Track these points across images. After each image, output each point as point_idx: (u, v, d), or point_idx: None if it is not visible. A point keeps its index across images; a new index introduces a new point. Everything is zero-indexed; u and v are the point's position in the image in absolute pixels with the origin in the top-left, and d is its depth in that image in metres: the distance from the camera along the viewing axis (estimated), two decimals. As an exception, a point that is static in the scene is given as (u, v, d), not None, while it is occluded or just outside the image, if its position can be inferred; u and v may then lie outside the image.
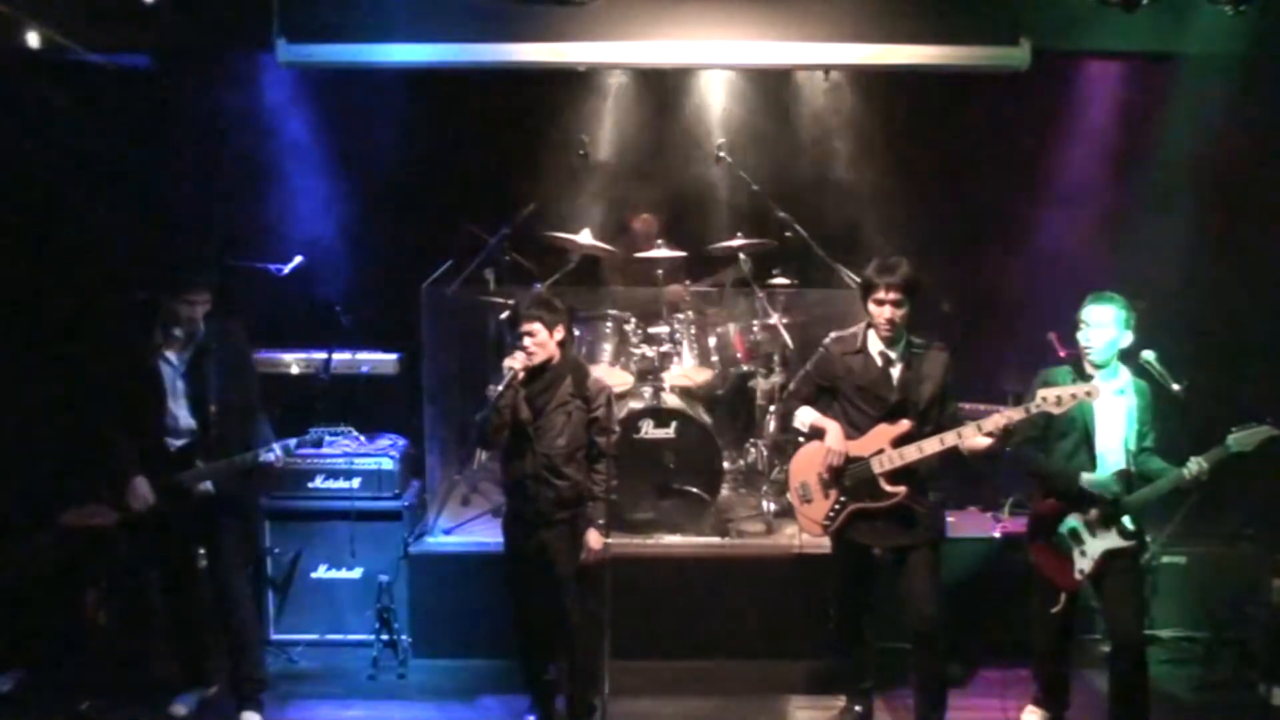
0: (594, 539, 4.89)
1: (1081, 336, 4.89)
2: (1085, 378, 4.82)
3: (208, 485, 5.02)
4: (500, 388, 4.73)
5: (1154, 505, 4.93)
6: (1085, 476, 4.88)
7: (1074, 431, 4.88)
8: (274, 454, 5.04)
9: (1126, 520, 4.85)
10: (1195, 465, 4.72)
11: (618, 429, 5.08)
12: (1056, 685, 5.22)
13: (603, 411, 4.92)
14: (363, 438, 6.05)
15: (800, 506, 5.03)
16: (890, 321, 4.73)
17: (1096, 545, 4.87)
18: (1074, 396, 4.60)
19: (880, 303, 4.72)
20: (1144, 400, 4.92)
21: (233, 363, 5.12)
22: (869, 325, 4.87)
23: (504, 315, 6.26)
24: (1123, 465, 4.89)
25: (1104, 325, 4.84)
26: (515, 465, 4.90)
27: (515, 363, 4.77)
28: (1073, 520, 4.91)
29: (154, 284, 5.05)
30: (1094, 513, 4.86)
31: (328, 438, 5.18)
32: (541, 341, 4.80)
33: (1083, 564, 4.89)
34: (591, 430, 4.91)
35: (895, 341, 4.82)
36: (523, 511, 4.91)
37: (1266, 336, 6.22)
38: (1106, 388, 4.81)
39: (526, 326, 4.78)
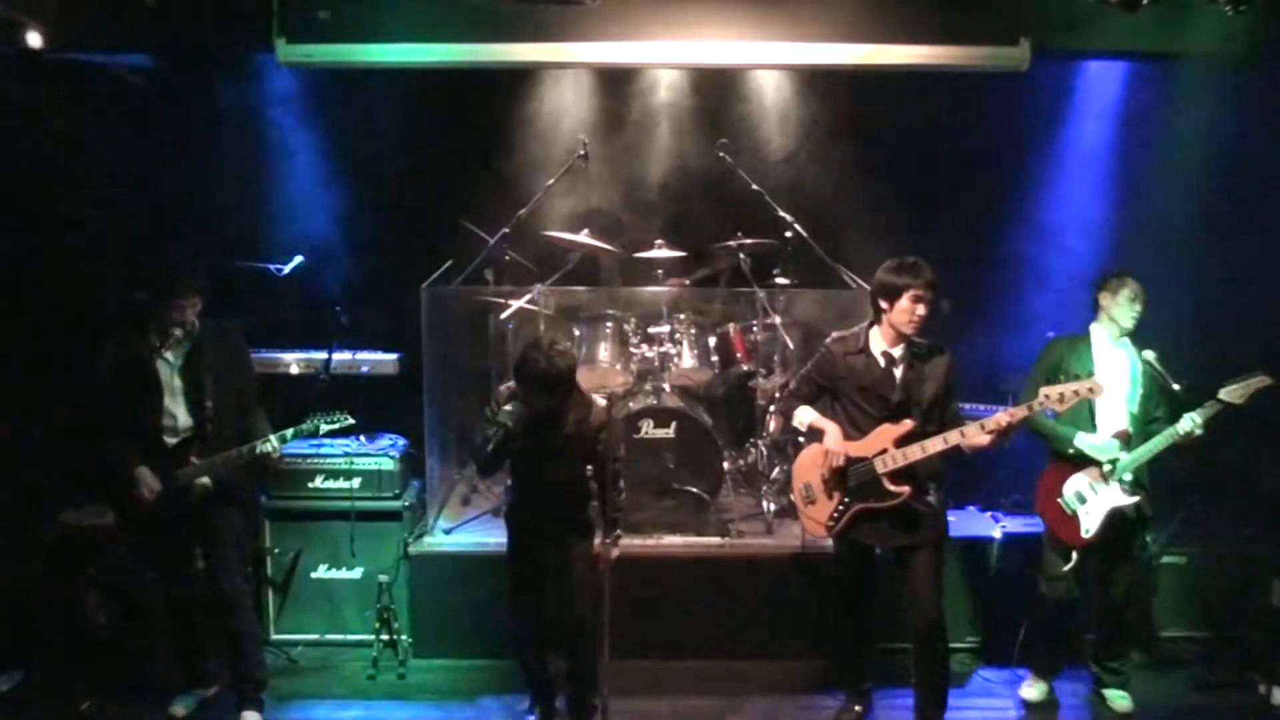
0: (603, 554, 4.78)
1: (1133, 309, 5.13)
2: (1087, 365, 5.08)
3: (206, 480, 5.03)
4: (491, 440, 4.66)
5: (1153, 464, 5.10)
6: (1080, 438, 5.08)
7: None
8: (270, 444, 5.06)
9: (1126, 478, 5.06)
10: (1189, 421, 4.95)
11: (623, 453, 5.00)
12: (1052, 653, 5.40)
13: (604, 447, 4.80)
14: (363, 436, 6.10)
15: (804, 508, 5.04)
16: (922, 319, 4.76)
17: (1100, 504, 5.06)
18: (1076, 394, 4.69)
19: (917, 300, 4.72)
20: (1149, 369, 5.10)
21: (229, 360, 5.14)
22: (871, 325, 4.88)
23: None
24: (1123, 426, 5.09)
25: None
26: (519, 483, 4.91)
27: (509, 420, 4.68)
28: (1075, 482, 5.10)
29: (146, 287, 5.07)
30: (1093, 471, 5.07)
31: (324, 425, 5.17)
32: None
33: (1089, 523, 5.08)
34: (594, 458, 4.80)
35: (900, 341, 4.83)
36: (524, 522, 4.92)
37: (1267, 336, 6.21)
38: (1119, 354, 5.12)
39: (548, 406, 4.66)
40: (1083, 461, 5.11)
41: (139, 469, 4.97)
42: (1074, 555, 5.16)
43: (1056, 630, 5.38)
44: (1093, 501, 5.08)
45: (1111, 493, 5.07)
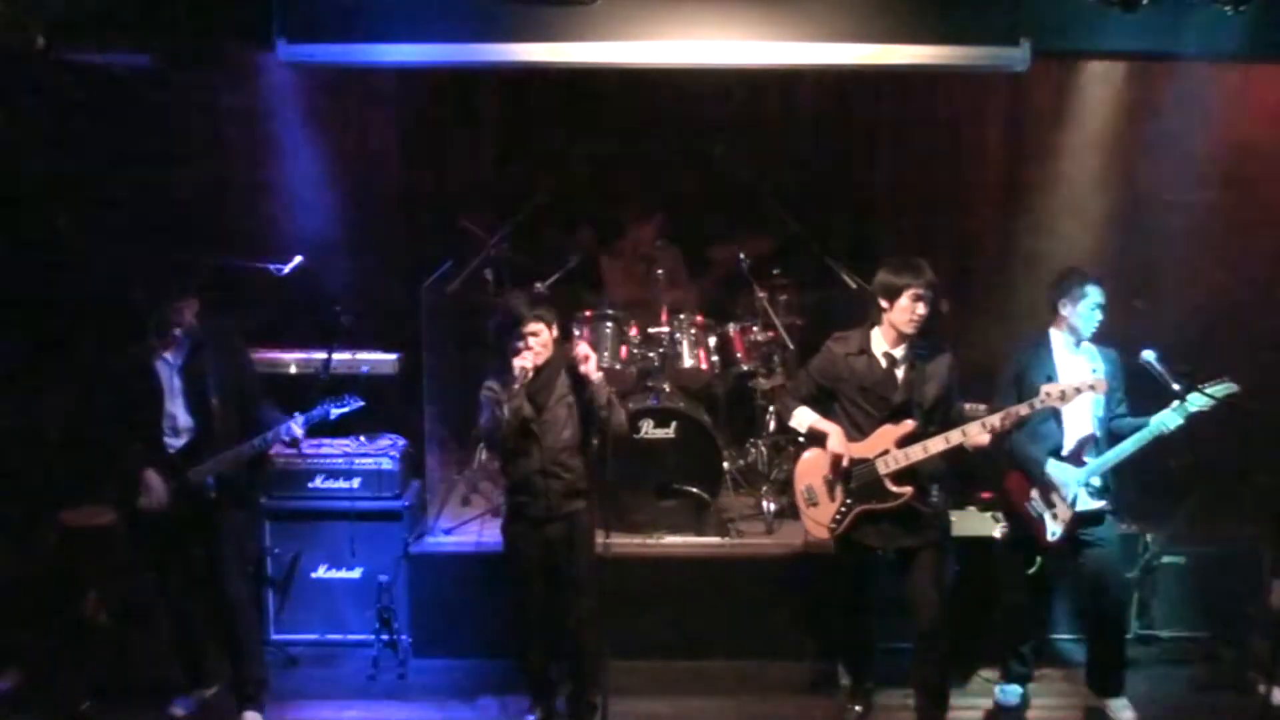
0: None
1: (1095, 316, 5.04)
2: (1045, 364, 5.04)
3: (210, 479, 5.02)
4: (517, 386, 4.74)
5: (1122, 467, 5.07)
6: (1049, 466, 5.04)
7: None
8: (297, 430, 5.05)
9: (1095, 482, 5.03)
10: (1160, 426, 4.89)
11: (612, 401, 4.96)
12: (1020, 658, 5.38)
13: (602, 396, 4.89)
14: (363, 436, 6.09)
15: (806, 509, 5.04)
16: (922, 319, 4.75)
17: (1067, 509, 5.03)
18: (1078, 390, 4.71)
19: (918, 298, 4.73)
20: (1112, 367, 5.06)
21: (229, 358, 5.15)
22: (873, 325, 4.88)
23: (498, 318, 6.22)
24: (1090, 432, 5.04)
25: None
26: (520, 463, 4.90)
27: (526, 363, 4.77)
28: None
29: (144, 288, 5.06)
30: (1056, 497, 5.05)
31: (334, 410, 5.16)
32: (545, 341, 4.83)
33: (1055, 527, 5.06)
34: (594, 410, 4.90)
35: (901, 342, 4.82)
36: (529, 508, 4.92)
37: (1266, 335, 6.22)
38: (1080, 360, 5.06)
39: (532, 328, 4.79)
40: (1042, 482, 5.08)
41: (146, 472, 4.96)
42: (1037, 559, 5.15)
43: (1022, 635, 5.38)
44: (1060, 506, 5.04)
45: (1080, 500, 5.03)
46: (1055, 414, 5.02)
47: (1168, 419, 4.89)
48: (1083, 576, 5.20)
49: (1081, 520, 5.05)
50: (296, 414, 5.11)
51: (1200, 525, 5.97)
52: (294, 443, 5.15)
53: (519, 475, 4.93)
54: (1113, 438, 5.07)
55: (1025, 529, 5.17)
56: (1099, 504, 5.06)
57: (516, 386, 4.75)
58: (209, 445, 5.03)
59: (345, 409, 5.21)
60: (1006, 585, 5.39)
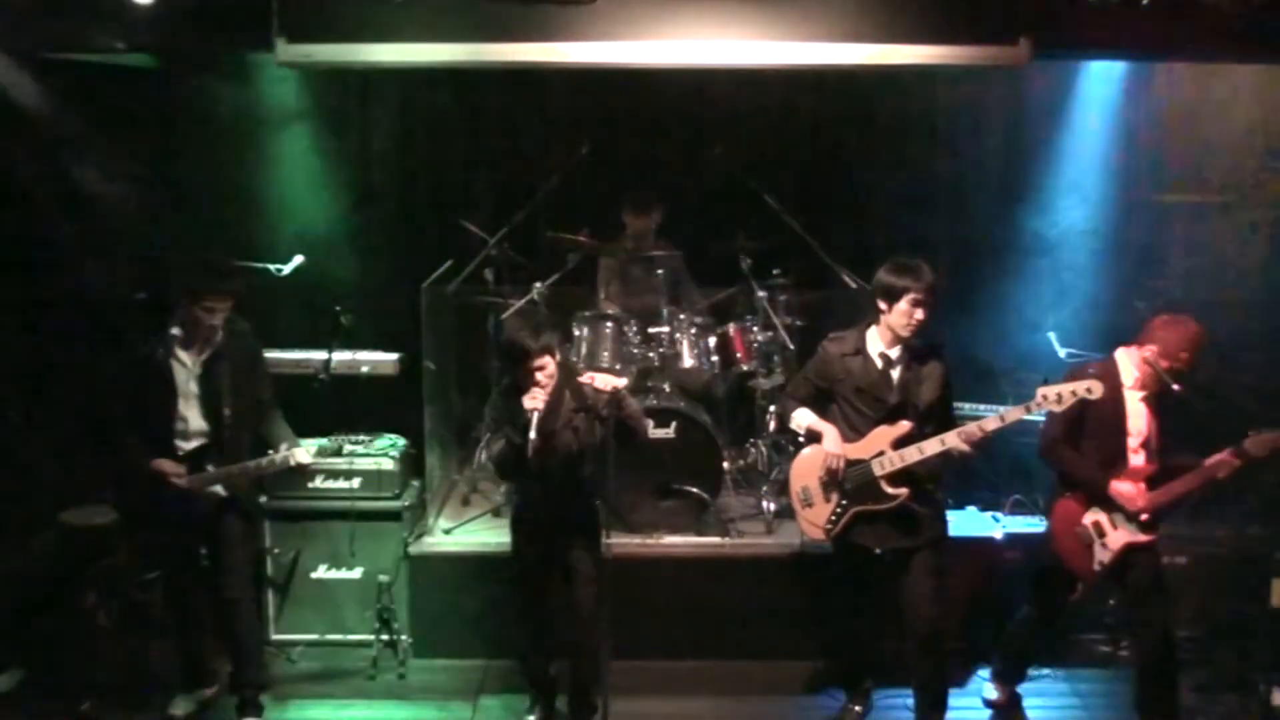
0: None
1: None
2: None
3: (218, 488, 5.01)
4: (533, 435, 4.62)
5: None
6: (1114, 487, 4.90)
7: (1106, 428, 4.90)
8: (305, 458, 5.04)
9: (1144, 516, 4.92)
10: (1226, 468, 4.79)
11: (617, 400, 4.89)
12: (1025, 662, 5.37)
13: (607, 410, 4.82)
14: (363, 436, 6.09)
15: (802, 510, 5.03)
16: (921, 323, 4.71)
17: (1118, 538, 4.94)
18: (1074, 394, 4.62)
19: (916, 303, 4.68)
20: (1165, 399, 4.97)
21: (247, 365, 5.12)
22: (869, 326, 4.87)
23: (497, 328, 6.21)
24: (1143, 461, 4.94)
25: None
26: (532, 485, 4.91)
27: (538, 404, 4.66)
28: (1096, 514, 4.96)
29: (176, 286, 5.01)
30: (1118, 514, 4.92)
31: (347, 445, 5.15)
32: (551, 373, 4.73)
33: (1103, 556, 4.96)
34: (605, 425, 4.84)
35: (898, 343, 4.81)
36: (537, 514, 4.93)
37: (1266, 335, 6.22)
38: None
39: (538, 362, 4.66)
40: (1103, 502, 4.96)
41: (157, 460, 4.93)
42: (1079, 587, 5.08)
43: (1031, 646, 5.35)
44: (1110, 536, 4.94)
45: (1130, 530, 4.93)
46: (1121, 443, 4.90)
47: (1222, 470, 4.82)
48: (1127, 604, 5.13)
49: (1130, 550, 4.94)
50: (308, 442, 5.09)
51: (1200, 525, 5.96)
52: (300, 468, 5.14)
53: (527, 488, 4.96)
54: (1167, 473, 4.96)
55: (1071, 557, 5.02)
56: (1150, 536, 4.94)
57: (534, 435, 4.61)
58: (218, 453, 5.01)
59: (359, 447, 5.15)
60: (1033, 599, 5.29)
